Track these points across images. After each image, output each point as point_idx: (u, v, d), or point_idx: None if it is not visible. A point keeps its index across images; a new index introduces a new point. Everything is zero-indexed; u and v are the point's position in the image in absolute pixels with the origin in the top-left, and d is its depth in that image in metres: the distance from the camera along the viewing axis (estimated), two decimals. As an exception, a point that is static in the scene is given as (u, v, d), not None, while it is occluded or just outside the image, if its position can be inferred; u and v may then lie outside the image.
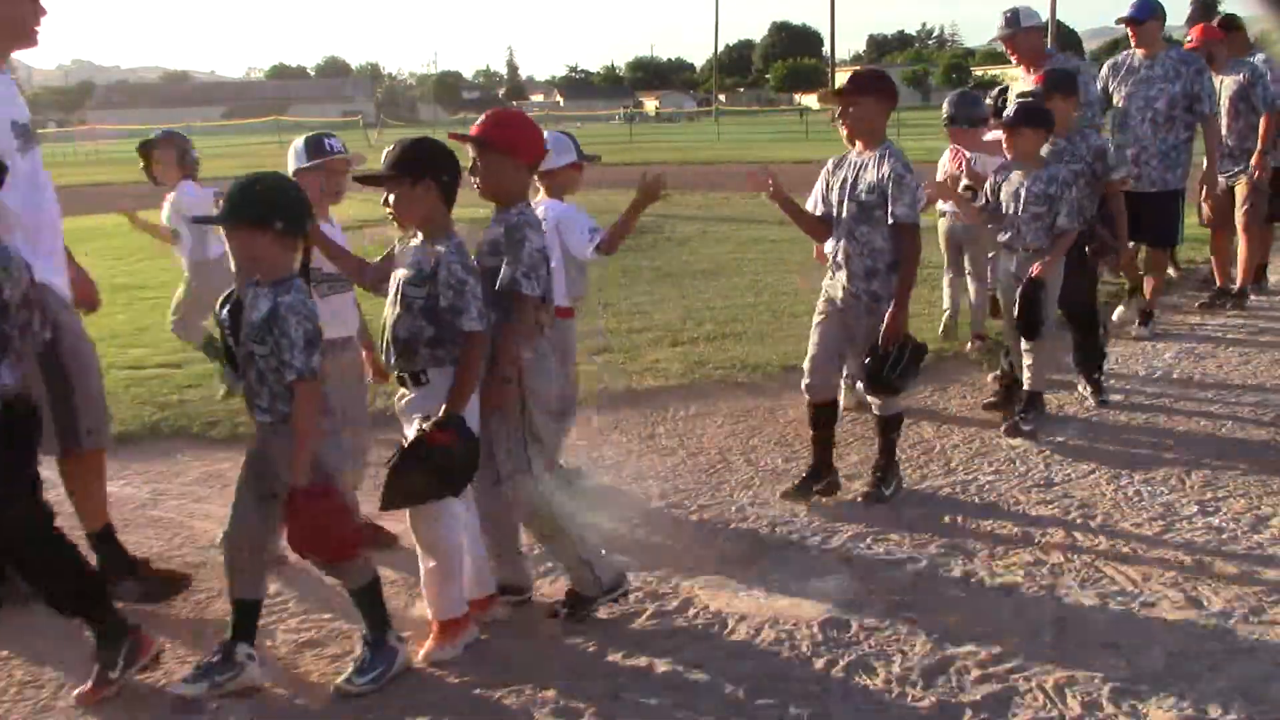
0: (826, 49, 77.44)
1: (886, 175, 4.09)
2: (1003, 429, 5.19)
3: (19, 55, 3.47)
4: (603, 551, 3.54)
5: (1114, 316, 7.19)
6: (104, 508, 3.77)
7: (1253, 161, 7.47)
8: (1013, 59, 6.23)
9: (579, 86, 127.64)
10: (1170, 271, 8.80)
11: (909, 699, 2.98)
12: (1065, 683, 3.02)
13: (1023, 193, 5.04)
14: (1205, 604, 3.46)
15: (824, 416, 4.49)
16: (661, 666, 3.17)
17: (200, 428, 5.47)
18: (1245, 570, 3.68)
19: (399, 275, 3.24)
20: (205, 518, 4.43)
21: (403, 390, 3.28)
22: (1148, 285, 7.19)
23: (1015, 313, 5.11)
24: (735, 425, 5.48)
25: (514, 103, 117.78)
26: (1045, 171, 5.03)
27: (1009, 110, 5.19)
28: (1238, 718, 2.84)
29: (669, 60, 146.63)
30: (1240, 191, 7.65)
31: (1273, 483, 4.48)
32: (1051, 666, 3.10)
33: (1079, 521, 4.14)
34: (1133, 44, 6.85)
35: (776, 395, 5.91)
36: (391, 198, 3.25)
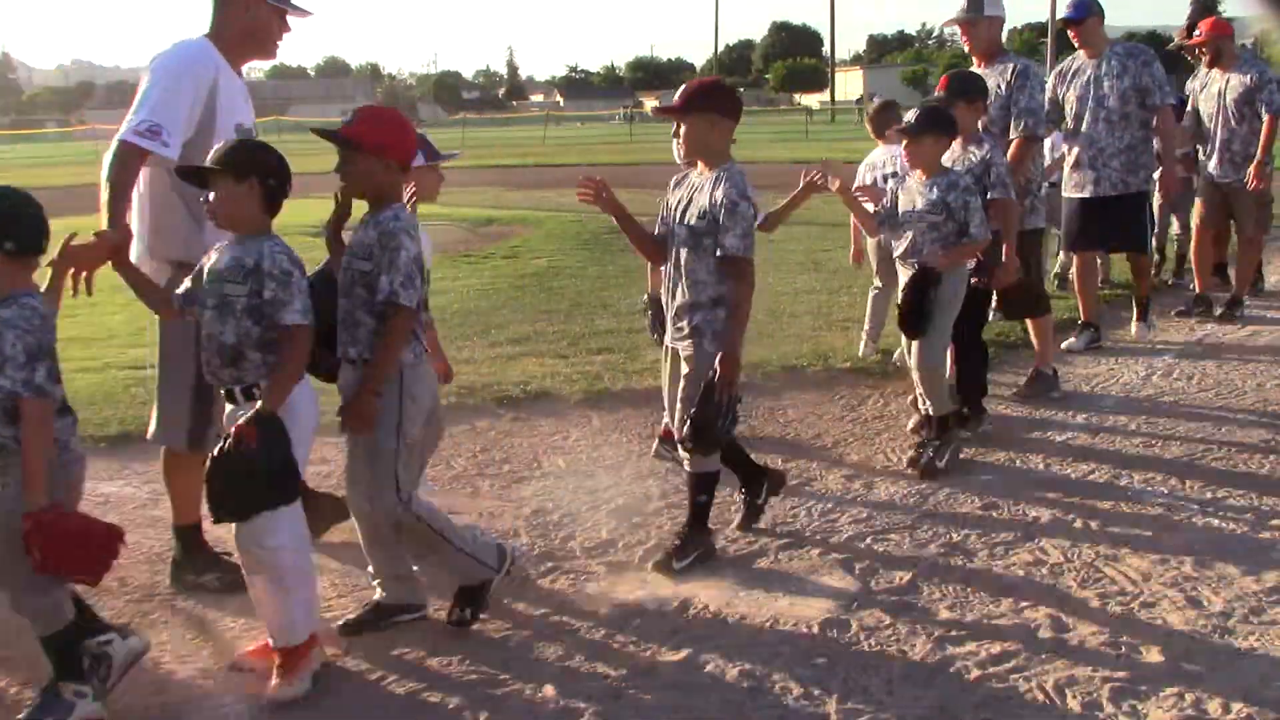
0: (826, 49, 77.48)
1: (720, 201, 3.63)
2: (908, 466, 4.73)
3: (20, 56, 3.49)
4: (476, 533, 3.54)
5: (1063, 345, 6.59)
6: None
7: (1250, 172, 7.15)
8: (966, 46, 5.71)
9: (579, 86, 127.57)
10: (1167, 277, 8.70)
11: (909, 699, 2.98)
12: (1065, 683, 3.02)
13: (919, 201, 4.64)
14: (1205, 604, 3.46)
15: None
16: (661, 666, 3.17)
17: (200, 428, 5.46)
18: (1245, 570, 3.68)
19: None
20: (205, 517, 4.42)
21: (231, 406, 3.10)
22: (1139, 283, 7.04)
23: (899, 309, 4.70)
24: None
25: (514, 103, 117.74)
26: (944, 178, 4.62)
27: (909, 115, 4.75)
28: (1238, 718, 2.84)
29: (669, 60, 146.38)
30: (1242, 200, 7.37)
31: (1273, 483, 4.48)
32: (1051, 666, 3.10)
33: (1079, 521, 4.14)
34: (1076, 45, 6.59)
35: (776, 395, 5.91)
36: (212, 195, 3.07)
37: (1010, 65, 5.48)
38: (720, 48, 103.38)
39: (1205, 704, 2.90)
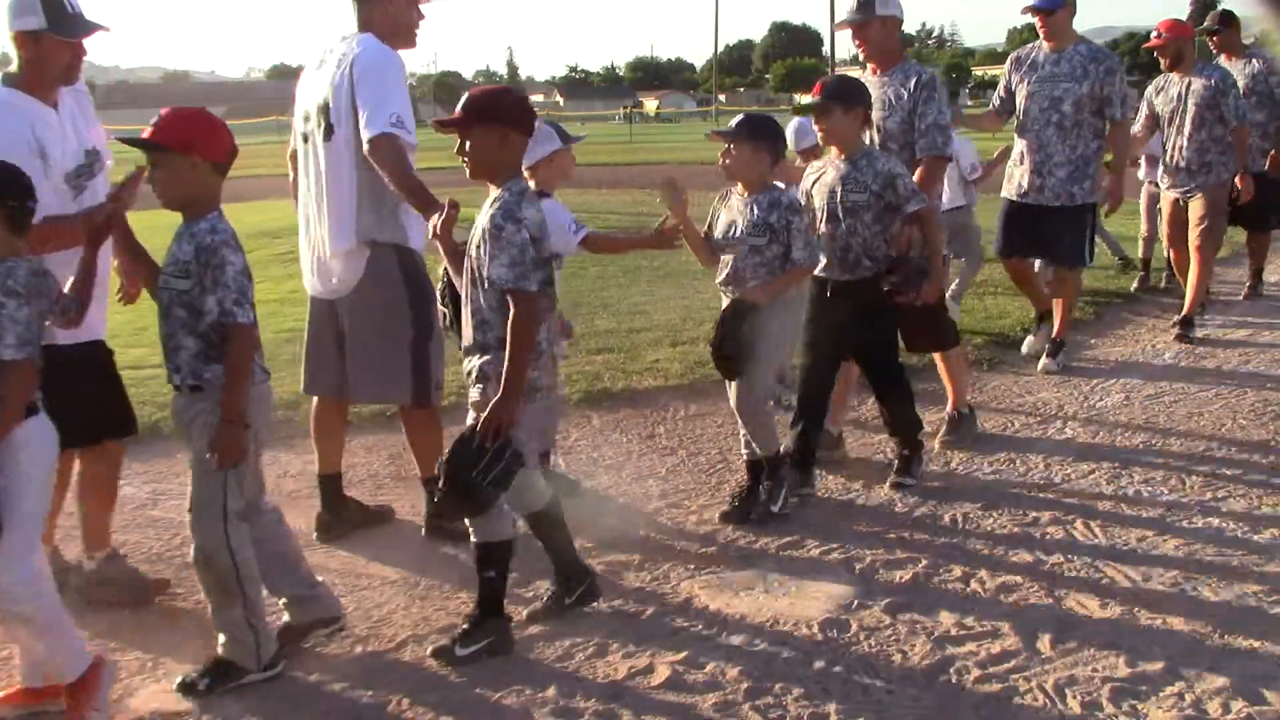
0: (826, 49, 77.39)
1: (486, 226, 3.19)
2: (722, 519, 4.23)
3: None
4: (268, 629, 3.18)
5: (1023, 349, 6.52)
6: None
7: (1237, 180, 6.83)
8: (860, 52, 5.00)
9: (579, 86, 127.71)
10: (1133, 287, 8.24)
11: (909, 699, 2.98)
12: (1065, 683, 3.02)
13: (740, 221, 4.11)
14: (1205, 604, 3.46)
15: None
16: (661, 666, 3.17)
17: (200, 428, 5.46)
18: (1245, 570, 3.68)
19: None
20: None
21: None
22: (1057, 311, 6.34)
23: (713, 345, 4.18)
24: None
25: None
26: (766, 196, 4.07)
27: (733, 121, 4.19)
28: (1237, 718, 2.84)
29: (669, 60, 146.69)
30: (1196, 209, 6.90)
31: (1273, 483, 4.48)
32: (1051, 666, 3.10)
33: (1079, 521, 4.14)
34: (1041, 36, 6.08)
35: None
36: None
37: (914, 76, 4.77)
38: (720, 48, 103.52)
39: (1205, 704, 2.90)
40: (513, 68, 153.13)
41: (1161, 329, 7.15)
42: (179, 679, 3.09)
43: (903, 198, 4.26)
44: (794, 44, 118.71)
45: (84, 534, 3.70)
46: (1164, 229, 7.31)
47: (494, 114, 3.22)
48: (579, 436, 5.30)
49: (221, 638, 3.10)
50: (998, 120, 6.39)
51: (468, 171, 3.27)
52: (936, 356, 5.19)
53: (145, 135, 3.00)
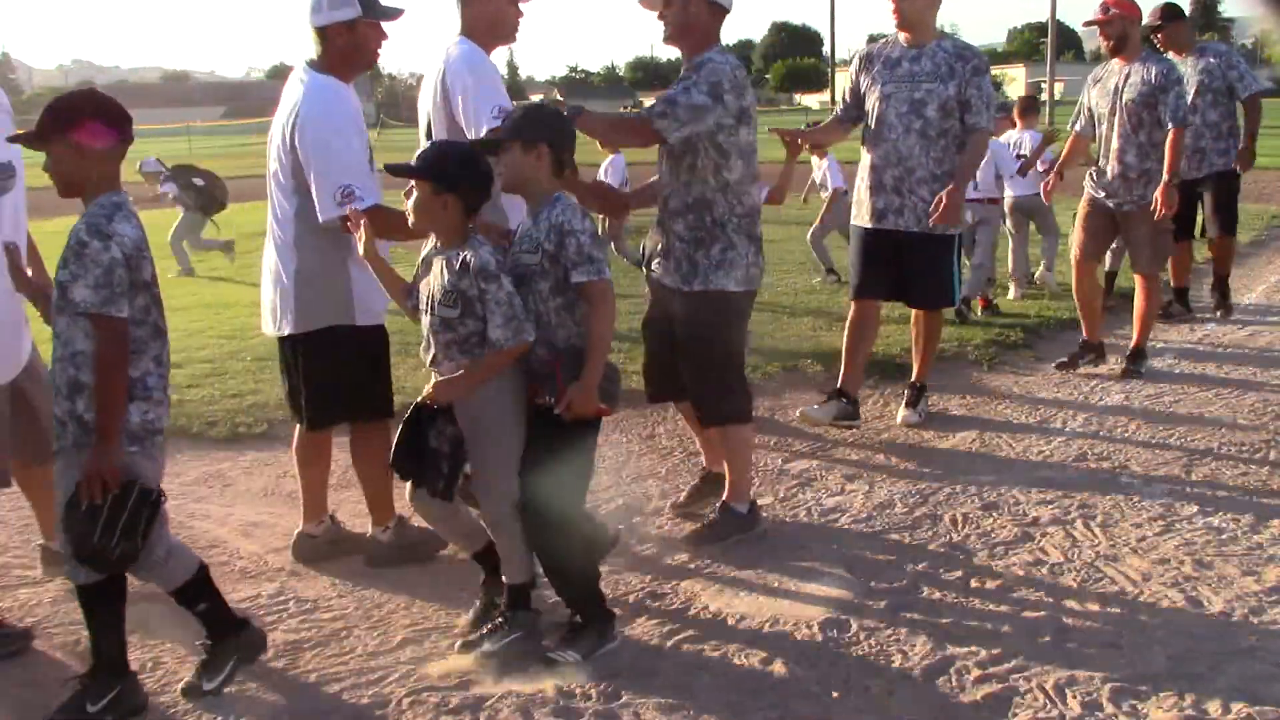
0: (826, 49, 77.39)
1: (70, 243, 2.84)
2: (461, 647, 3.31)
3: (20, 56, 3.50)
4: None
5: (900, 419, 5.40)
6: None
7: (1157, 194, 5.71)
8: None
9: (579, 86, 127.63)
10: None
11: (909, 699, 2.98)
12: (1065, 683, 3.02)
13: (436, 286, 3.15)
14: (1205, 604, 3.46)
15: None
16: (661, 667, 3.17)
17: (200, 428, 5.47)
18: (1245, 570, 3.68)
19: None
20: (205, 518, 4.43)
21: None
22: (918, 359, 5.43)
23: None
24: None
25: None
26: (457, 253, 3.10)
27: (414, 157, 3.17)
28: (1238, 718, 2.84)
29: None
30: (1135, 231, 5.94)
31: (1273, 483, 4.48)
32: (1051, 666, 3.10)
33: (1079, 521, 4.13)
34: (896, 27, 5.06)
35: (776, 395, 5.91)
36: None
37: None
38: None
39: (1205, 704, 2.90)
40: (513, 67, 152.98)
41: (1161, 329, 7.14)
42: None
43: (571, 262, 3.12)
44: (794, 44, 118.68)
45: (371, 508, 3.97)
46: (1076, 234, 6.21)
47: (69, 124, 2.87)
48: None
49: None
50: (840, 130, 5.37)
51: (58, 191, 2.94)
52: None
53: (34, 130, 2.90)
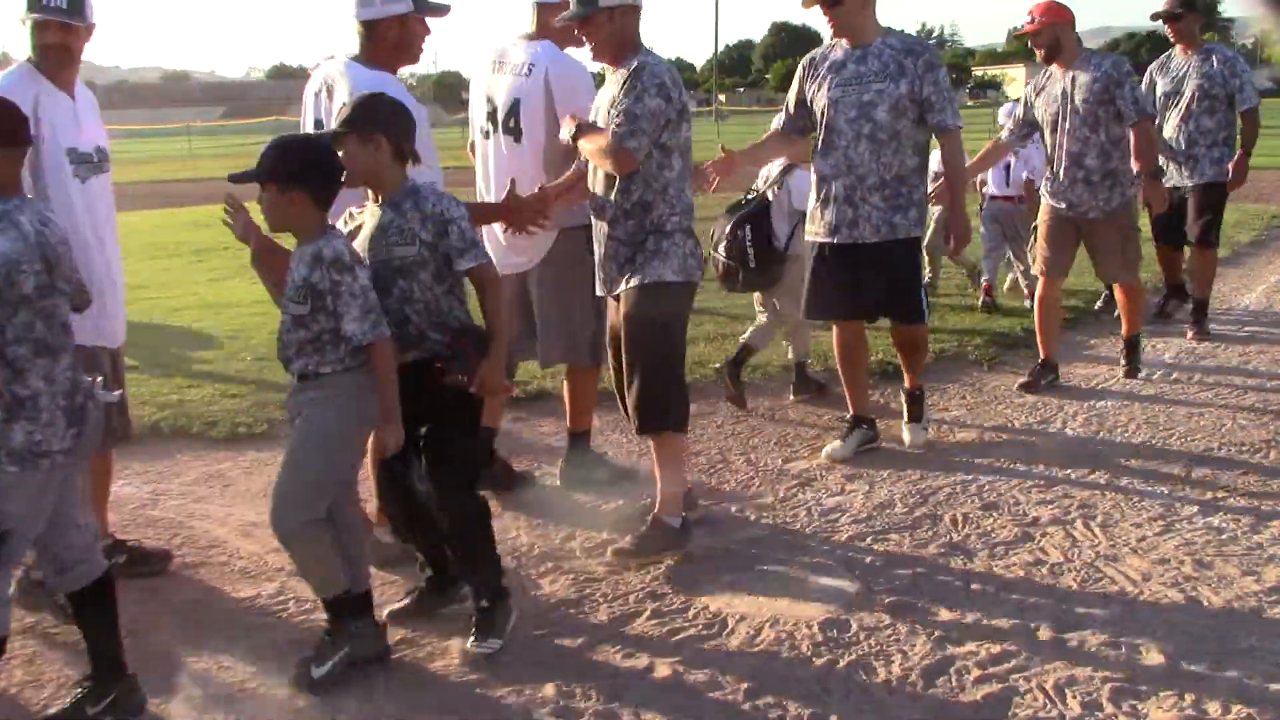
0: (826, 49, 77.34)
1: None
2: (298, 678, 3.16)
3: (20, 56, 3.58)
4: None
5: (825, 453, 4.94)
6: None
7: (1138, 193, 5.67)
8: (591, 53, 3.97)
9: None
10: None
11: (909, 699, 2.98)
12: (1065, 683, 3.02)
13: (288, 284, 3.09)
14: (1205, 604, 3.46)
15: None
16: (662, 667, 3.17)
17: (200, 428, 5.47)
18: (1245, 570, 3.68)
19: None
20: (205, 518, 4.44)
21: None
22: (904, 369, 5.12)
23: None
24: (735, 425, 5.48)
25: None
26: (310, 247, 3.02)
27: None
28: (1237, 718, 2.84)
29: (669, 60, 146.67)
30: (1107, 235, 5.71)
31: (1273, 483, 4.48)
32: (1051, 666, 3.10)
33: (1079, 521, 4.14)
34: (832, 31, 4.72)
35: (777, 395, 5.91)
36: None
37: (634, 64, 3.82)
38: (720, 48, 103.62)
39: (1205, 704, 2.90)
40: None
41: (1160, 329, 7.14)
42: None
43: (456, 250, 3.17)
44: (794, 44, 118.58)
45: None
46: (1039, 249, 5.93)
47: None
48: (579, 436, 5.29)
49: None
50: (784, 143, 5.07)
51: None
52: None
53: None
